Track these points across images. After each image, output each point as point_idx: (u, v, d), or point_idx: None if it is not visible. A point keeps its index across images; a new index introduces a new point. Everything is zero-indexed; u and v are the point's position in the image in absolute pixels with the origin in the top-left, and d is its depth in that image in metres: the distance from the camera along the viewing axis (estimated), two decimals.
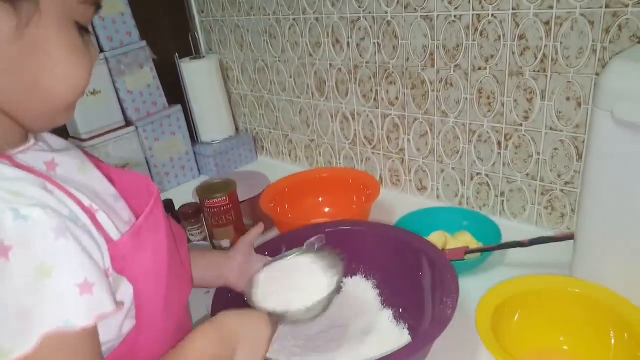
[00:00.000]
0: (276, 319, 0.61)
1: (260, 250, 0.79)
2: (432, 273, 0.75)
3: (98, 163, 0.55)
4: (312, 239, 0.76)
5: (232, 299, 0.73)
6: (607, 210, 0.68)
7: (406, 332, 0.76)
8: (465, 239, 0.95)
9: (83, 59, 0.44)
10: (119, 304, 0.43)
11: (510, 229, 0.95)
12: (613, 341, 0.67)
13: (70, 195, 0.43)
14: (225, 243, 1.00)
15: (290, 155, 1.42)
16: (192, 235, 1.03)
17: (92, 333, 0.41)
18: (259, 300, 0.67)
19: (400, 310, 0.79)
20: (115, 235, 0.46)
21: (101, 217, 0.45)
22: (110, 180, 0.53)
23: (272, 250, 0.79)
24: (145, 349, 0.49)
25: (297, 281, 0.70)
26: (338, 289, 0.68)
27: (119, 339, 0.47)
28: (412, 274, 0.78)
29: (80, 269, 0.39)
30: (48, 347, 0.37)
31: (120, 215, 0.49)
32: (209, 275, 0.72)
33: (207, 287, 0.74)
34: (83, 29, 0.44)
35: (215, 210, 0.97)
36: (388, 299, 0.81)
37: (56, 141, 0.52)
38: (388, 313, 0.80)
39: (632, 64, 0.61)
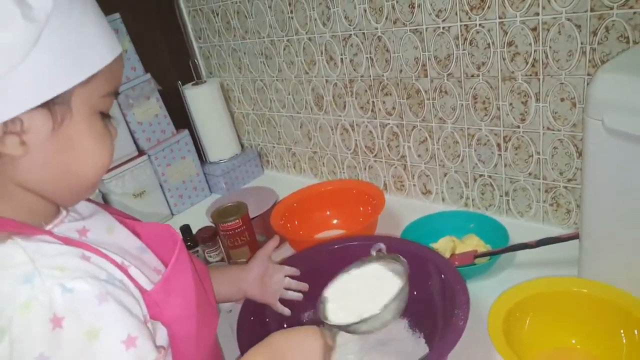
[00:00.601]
0: (336, 331, 0.63)
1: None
2: (442, 282, 0.77)
3: (123, 219, 0.59)
4: (376, 246, 0.77)
5: (254, 321, 0.76)
6: (608, 211, 0.70)
7: (422, 341, 0.78)
8: (473, 242, 0.97)
9: (106, 143, 0.50)
10: (159, 349, 0.48)
11: (518, 227, 0.97)
12: (624, 339, 0.68)
13: (105, 256, 0.48)
14: (242, 263, 1.03)
15: (294, 168, 1.45)
16: (211, 257, 1.07)
17: None
18: (331, 315, 0.67)
19: (415, 319, 0.81)
20: (146, 284, 0.51)
21: (133, 271, 0.50)
22: (136, 234, 0.58)
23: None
24: None
25: (370, 290, 0.70)
26: (406, 293, 0.68)
27: None
28: (422, 284, 0.81)
29: (123, 327, 0.45)
30: None
31: (148, 265, 0.55)
32: (231, 291, 0.77)
33: (229, 302, 0.79)
34: (105, 114, 0.50)
35: (230, 232, 1.01)
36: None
37: (84, 207, 0.57)
38: (403, 323, 0.82)
39: (619, 74, 0.63)
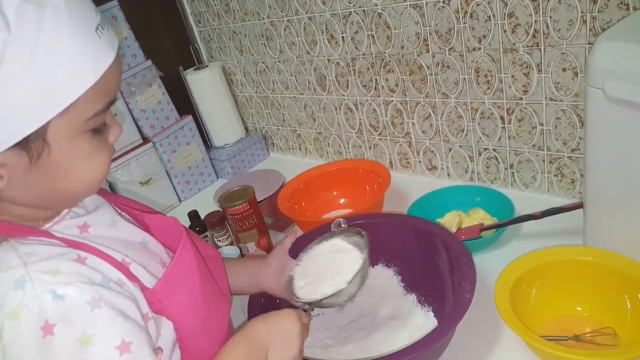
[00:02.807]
0: (310, 310, 0.65)
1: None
2: (448, 257, 0.79)
3: (131, 210, 0.60)
4: (336, 222, 0.78)
5: (265, 303, 0.77)
6: (610, 179, 0.70)
7: (431, 314, 0.80)
8: (479, 216, 0.98)
9: (100, 157, 0.47)
10: (157, 351, 0.48)
11: (524, 199, 0.98)
12: (629, 305, 0.70)
13: (103, 256, 0.48)
14: (251, 246, 1.05)
15: (300, 149, 1.46)
16: (220, 241, 1.09)
17: None
18: (300, 293, 0.71)
19: (423, 294, 0.83)
20: (149, 280, 0.51)
21: (134, 268, 0.50)
22: (145, 224, 0.59)
23: (296, 251, 0.83)
24: None
25: (333, 264, 0.73)
26: (367, 265, 0.71)
27: None
28: (429, 259, 0.82)
29: (116, 332, 0.45)
30: None
31: (152, 258, 0.55)
32: (248, 283, 0.77)
33: (247, 294, 0.79)
34: (98, 128, 0.47)
35: (238, 216, 1.02)
36: (410, 285, 0.86)
37: (90, 200, 0.56)
38: (412, 297, 0.84)
39: (619, 43, 0.63)
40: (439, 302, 0.79)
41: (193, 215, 1.10)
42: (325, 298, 0.68)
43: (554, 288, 0.75)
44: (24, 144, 0.42)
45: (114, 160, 1.23)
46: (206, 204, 1.26)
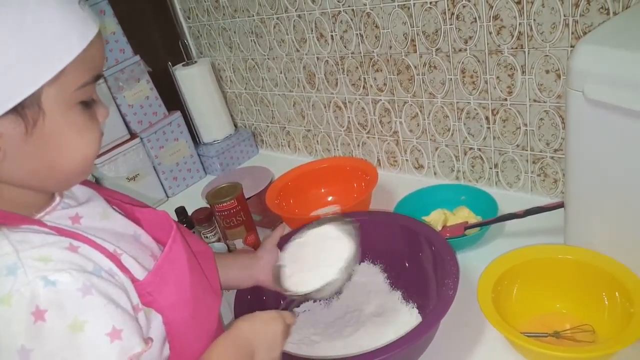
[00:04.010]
0: (299, 300, 0.67)
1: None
2: (432, 254, 0.80)
3: (121, 204, 0.60)
4: (327, 211, 0.79)
5: (252, 299, 0.78)
6: (590, 180, 0.72)
7: (415, 311, 0.81)
8: (464, 214, 1.00)
9: (90, 132, 0.49)
10: (147, 340, 0.49)
11: (508, 198, 1.00)
12: (606, 301, 0.72)
13: (95, 245, 0.48)
14: (239, 242, 1.06)
15: (289, 146, 1.46)
16: (207, 237, 1.09)
17: None
18: (288, 282, 0.72)
19: (408, 290, 0.85)
20: (140, 272, 0.51)
21: (125, 259, 0.51)
22: (135, 218, 0.59)
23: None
24: None
25: (322, 253, 0.74)
26: (357, 255, 0.72)
27: None
28: (414, 256, 0.84)
29: (108, 319, 0.45)
30: None
31: (143, 251, 0.55)
32: (241, 277, 0.77)
33: (240, 287, 0.79)
34: (87, 102, 0.48)
35: (226, 213, 1.02)
36: (395, 282, 0.87)
37: (81, 192, 0.57)
38: (397, 294, 0.86)
39: (599, 46, 0.64)
40: (423, 299, 0.81)
41: (180, 211, 1.11)
42: (312, 291, 0.69)
43: (534, 286, 0.76)
44: (19, 111, 0.43)
45: (100, 155, 1.24)
46: (194, 200, 1.26)
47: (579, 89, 0.65)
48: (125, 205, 0.61)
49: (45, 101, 0.44)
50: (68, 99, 0.46)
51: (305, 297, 0.70)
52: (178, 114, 1.38)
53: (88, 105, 0.48)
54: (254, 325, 0.62)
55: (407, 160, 1.19)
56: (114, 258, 0.49)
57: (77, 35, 0.45)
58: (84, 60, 0.45)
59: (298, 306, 0.86)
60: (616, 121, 0.64)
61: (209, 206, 1.07)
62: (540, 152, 0.97)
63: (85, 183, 0.59)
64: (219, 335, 0.65)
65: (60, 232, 0.48)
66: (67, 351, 0.43)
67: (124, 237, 0.55)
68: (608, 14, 0.77)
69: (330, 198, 1.16)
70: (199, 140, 1.48)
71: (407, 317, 0.81)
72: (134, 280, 0.50)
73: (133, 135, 1.31)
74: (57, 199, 0.53)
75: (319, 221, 0.78)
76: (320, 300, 0.87)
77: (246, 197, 1.06)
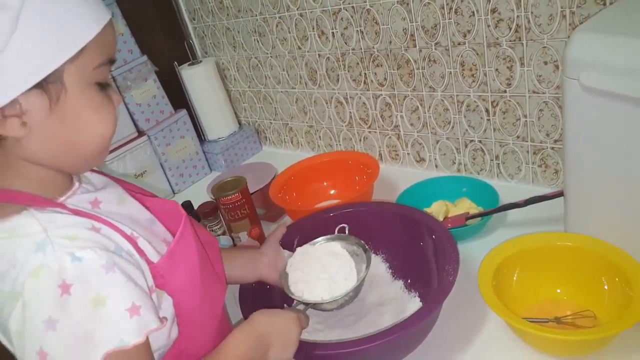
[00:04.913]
0: (307, 311, 0.70)
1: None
2: (433, 242, 0.82)
3: (133, 193, 0.62)
4: (340, 226, 0.83)
5: (256, 291, 0.80)
6: (588, 168, 0.73)
7: (417, 299, 0.82)
8: (465, 205, 1.01)
9: (106, 112, 0.51)
10: (162, 319, 0.51)
11: (509, 190, 1.01)
12: (606, 286, 0.73)
13: (115, 228, 0.51)
14: (243, 235, 1.07)
15: (292, 142, 1.48)
16: (212, 230, 1.11)
17: (144, 347, 0.49)
18: (292, 287, 0.75)
19: (410, 280, 0.86)
20: (154, 256, 0.54)
21: (141, 242, 0.53)
22: (146, 207, 0.61)
23: (287, 239, 0.86)
24: (192, 348, 0.58)
25: (329, 268, 0.77)
26: (363, 279, 0.76)
27: (168, 344, 0.56)
28: (415, 245, 0.85)
29: (128, 296, 0.47)
30: None
31: (156, 236, 0.58)
32: (245, 271, 0.79)
33: (244, 282, 0.81)
34: (103, 84, 0.51)
35: (230, 206, 1.04)
36: (397, 271, 0.88)
37: (97, 179, 0.60)
38: (399, 284, 0.87)
39: (593, 34, 0.65)
40: (425, 287, 0.82)
41: (186, 206, 1.13)
42: (320, 302, 0.73)
43: (534, 273, 0.77)
44: (44, 86, 0.46)
45: (109, 152, 1.27)
46: (199, 196, 1.28)
47: (575, 77, 0.67)
48: (136, 194, 0.63)
49: (67, 78, 0.47)
50: (87, 78, 0.49)
51: (309, 305, 0.73)
52: (184, 112, 1.41)
53: (103, 87, 0.51)
54: (274, 321, 0.63)
55: (408, 153, 1.21)
56: (131, 240, 0.52)
57: (94, 18, 0.48)
58: (99, 42, 0.49)
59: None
60: (612, 108, 0.65)
61: (214, 200, 1.09)
62: (541, 143, 0.98)
63: (99, 173, 0.62)
64: (224, 323, 0.67)
65: (81, 214, 0.50)
66: (90, 324, 0.45)
67: (139, 222, 0.57)
68: (605, 4, 0.78)
69: (332, 192, 1.18)
70: (204, 137, 1.50)
71: (409, 306, 0.82)
72: (149, 262, 0.53)
73: (140, 133, 1.34)
74: (77, 184, 0.55)
75: (331, 237, 0.82)
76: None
77: (250, 192, 1.08)
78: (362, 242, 0.80)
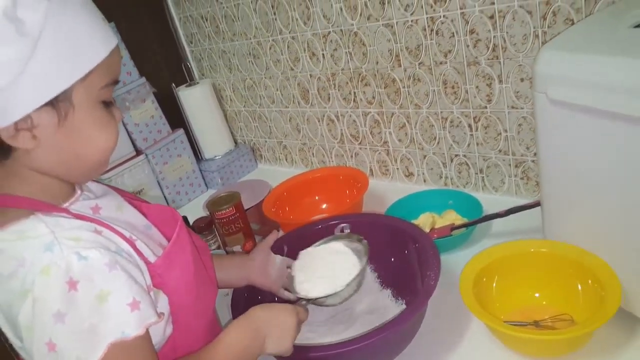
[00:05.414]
0: (306, 305, 0.72)
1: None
2: (417, 251, 0.85)
3: (131, 200, 0.67)
4: (340, 226, 0.86)
5: (248, 299, 0.83)
6: (560, 177, 0.76)
7: (404, 307, 0.85)
8: (451, 217, 1.05)
9: (110, 128, 0.56)
10: (160, 314, 0.55)
11: (494, 202, 1.04)
12: (580, 287, 0.76)
13: (115, 231, 0.55)
14: (237, 249, 1.11)
15: (286, 160, 1.53)
16: (208, 245, 1.15)
17: (144, 339, 0.53)
18: (298, 287, 0.78)
19: (397, 288, 0.89)
20: (151, 257, 0.58)
21: (139, 245, 0.57)
22: (142, 213, 0.66)
23: (278, 247, 0.89)
24: (184, 346, 0.61)
25: (333, 265, 0.80)
26: (365, 271, 0.78)
27: (163, 341, 0.59)
28: (400, 254, 0.89)
29: (129, 292, 0.51)
30: (112, 353, 0.50)
31: (153, 240, 0.61)
32: (234, 276, 0.82)
33: (233, 287, 0.84)
34: (107, 102, 0.56)
35: (225, 220, 1.08)
36: (385, 280, 0.91)
37: (96, 188, 0.64)
38: (387, 292, 0.90)
39: (558, 52, 0.70)
40: (411, 295, 0.85)
41: (183, 220, 1.16)
42: (322, 297, 0.75)
43: (513, 279, 0.80)
44: (54, 104, 0.51)
45: (108, 171, 1.31)
46: (196, 212, 1.31)
47: (543, 91, 0.71)
48: (133, 201, 0.67)
49: (75, 97, 0.52)
50: (93, 97, 0.53)
51: (314, 302, 0.76)
52: (181, 131, 1.46)
53: (107, 105, 0.56)
54: (269, 313, 0.67)
55: (397, 168, 1.25)
56: (130, 242, 0.56)
57: (102, 43, 0.53)
58: (106, 65, 0.53)
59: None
60: (578, 119, 0.69)
61: (209, 215, 1.13)
62: (522, 156, 1.03)
63: (99, 183, 0.66)
64: (214, 324, 0.71)
65: (84, 218, 0.54)
66: (94, 317, 0.49)
67: (136, 227, 0.61)
68: (573, 24, 0.84)
69: (324, 206, 1.22)
70: (201, 156, 1.55)
71: (397, 313, 0.85)
72: (147, 262, 0.56)
73: (139, 152, 1.39)
74: (79, 191, 0.59)
75: (332, 237, 0.85)
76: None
77: (245, 208, 1.12)
78: (361, 237, 0.82)
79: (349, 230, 0.86)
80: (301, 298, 0.76)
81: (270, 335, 0.64)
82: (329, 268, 0.80)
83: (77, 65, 0.51)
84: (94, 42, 0.52)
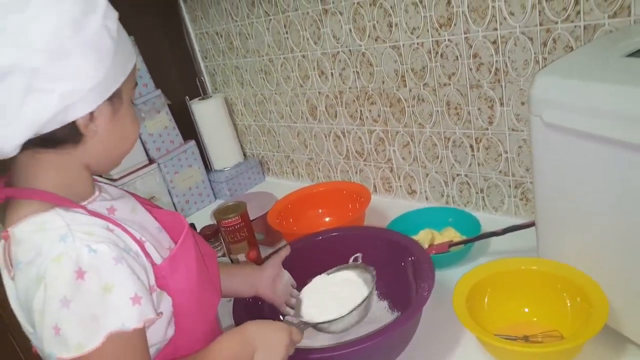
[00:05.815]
0: (305, 328, 0.74)
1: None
2: (412, 264, 0.87)
3: (144, 205, 0.71)
4: (354, 256, 0.89)
5: (249, 307, 0.86)
6: (554, 198, 0.79)
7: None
8: (451, 234, 1.07)
9: (137, 123, 0.64)
10: (159, 313, 0.58)
11: (494, 222, 1.06)
12: (569, 304, 0.78)
13: (126, 231, 0.59)
14: (242, 257, 1.14)
15: (293, 174, 1.57)
16: None
17: (142, 332, 0.56)
18: (304, 311, 0.81)
19: (393, 300, 0.92)
20: (158, 259, 0.61)
21: (148, 246, 0.61)
22: (154, 217, 0.69)
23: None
24: (185, 349, 0.64)
25: (341, 294, 0.82)
26: (370, 302, 0.81)
27: (164, 341, 0.63)
28: (397, 267, 0.91)
29: (132, 286, 0.55)
30: (110, 342, 0.53)
31: (162, 243, 0.65)
32: (243, 286, 0.85)
33: (242, 296, 0.86)
34: (132, 101, 0.64)
35: (230, 229, 1.11)
36: (382, 292, 0.94)
37: (113, 190, 0.68)
38: (384, 304, 0.93)
39: (554, 77, 0.73)
40: (405, 307, 0.87)
41: (190, 226, 1.20)
42: (325, 322, 0.77)
43: (504, 295, 0.82)
44: (112, 99, 0.58)
45: (121, 178, 1.36)
46: (204, 221, 1.35)
47: (538, 115, 0.74)
48: (145, 206, 0.71)
49: (124, 93, 0.60)
50: (129, 95, 0.62)
51: (317, 327, 0.78)
52: (193, 143, 1.51)
53: (132, 104, 0.64)
54: (261, 328, 0.69)
55: (401, 186, 1.28)
56: (139, 243, 0.59)
57: (132, 51, 0.62)
58: (133, 69, 0.62)
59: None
60: (571, 143, 0.72)
61: (215, 223, 1.16)
62: (521, 177, 1.05)
63: (116, 187, 0.71)
64: (215, 329, 0.73)
65: (99, 216, 0.58)
66: (97, 308, 0.53)
67: (148, 230, 0.65)
68: (572, 50, 0.87)
69: (327, 219, 1.25)
70: (211, 167, 1.59)
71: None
72: (153, 263, 0.60)
73: (151, 161, 1.43)
74: (97, 192, 0.64)
75: (345, 265, 0.88)
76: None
77: (251, 218, 1.15)
78: (371, 267, 0.84)
79: (360, 261, 0.88)
80: (304, 322, 0.78)
81: (261, 350, 0.66)
82: (338, 296, 0.82)
83: (125, 67, 0.59)
84: (129, 48, 0.61)
